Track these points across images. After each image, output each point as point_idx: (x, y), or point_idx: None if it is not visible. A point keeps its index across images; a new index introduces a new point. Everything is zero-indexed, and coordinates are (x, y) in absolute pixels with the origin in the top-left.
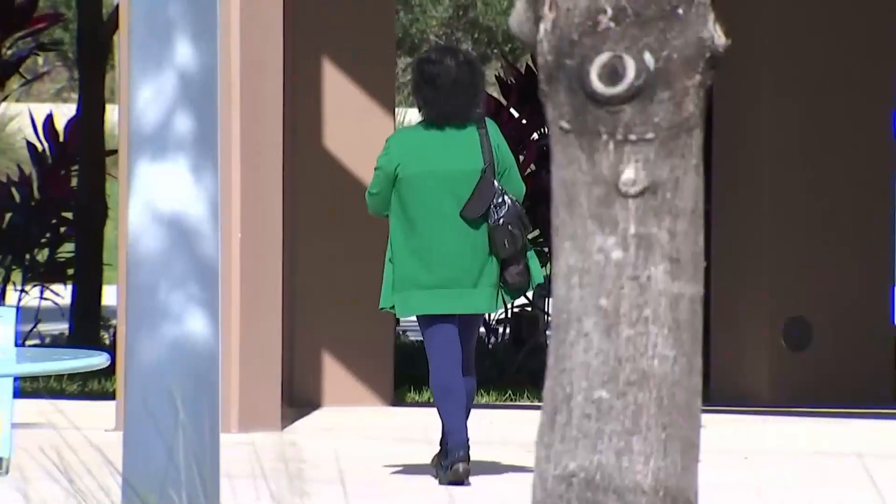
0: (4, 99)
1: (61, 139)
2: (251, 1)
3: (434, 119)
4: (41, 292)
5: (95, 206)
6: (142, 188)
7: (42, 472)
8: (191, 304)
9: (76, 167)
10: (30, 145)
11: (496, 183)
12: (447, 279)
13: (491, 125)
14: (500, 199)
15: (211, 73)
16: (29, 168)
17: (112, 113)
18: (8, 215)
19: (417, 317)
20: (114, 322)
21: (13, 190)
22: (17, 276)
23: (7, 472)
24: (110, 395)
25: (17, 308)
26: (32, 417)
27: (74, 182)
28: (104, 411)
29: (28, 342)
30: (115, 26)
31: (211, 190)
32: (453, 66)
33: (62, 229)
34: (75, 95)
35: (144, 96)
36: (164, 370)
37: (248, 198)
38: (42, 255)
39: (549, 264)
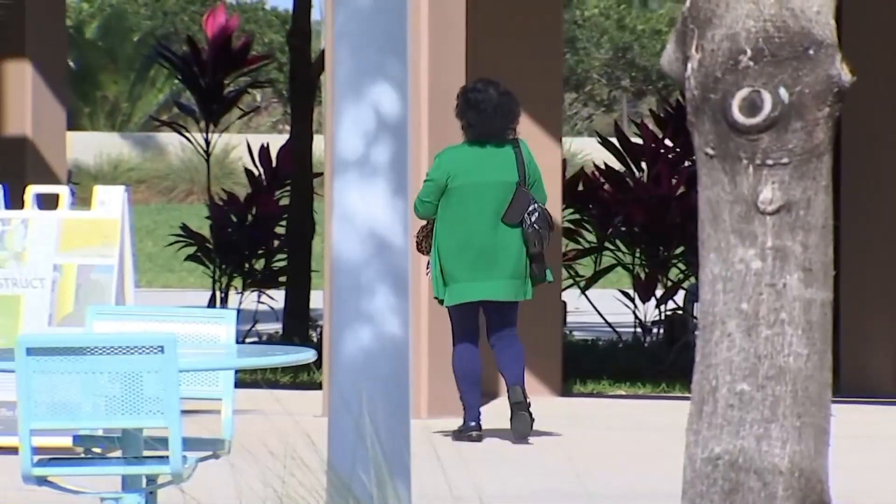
0: (225, 130)
1: (274, 165)
2: (438, 45)
3: (477, 139)
4: (258, 297)
5: (304, 222)
6: (343, 206)
7: (259, 451)
8: (386, 307)
9: (287, 189)
10: (247, 171)
11: (528, 193)
12: (482, 272)
13: (523, 144)
14: (532, 207)
15: (403, 108)
16: (247, 190)
17: (319, 141)
18: (229, 230)
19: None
20: (320, 322)
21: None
22: (237, 282)
23: (229, 452)
24: (318, 386)
25: (238, 311)
26: (251, 405)
27: (286, 201)
28: (313, 399)
29: (247, 340)
30: (321, 67)
31: (402, 208)
32: (495, 94)
33: (276, 242)
34: (288, 127)
35: (346, 127)
36: (363, 365)
37: None
38: (259, 265)
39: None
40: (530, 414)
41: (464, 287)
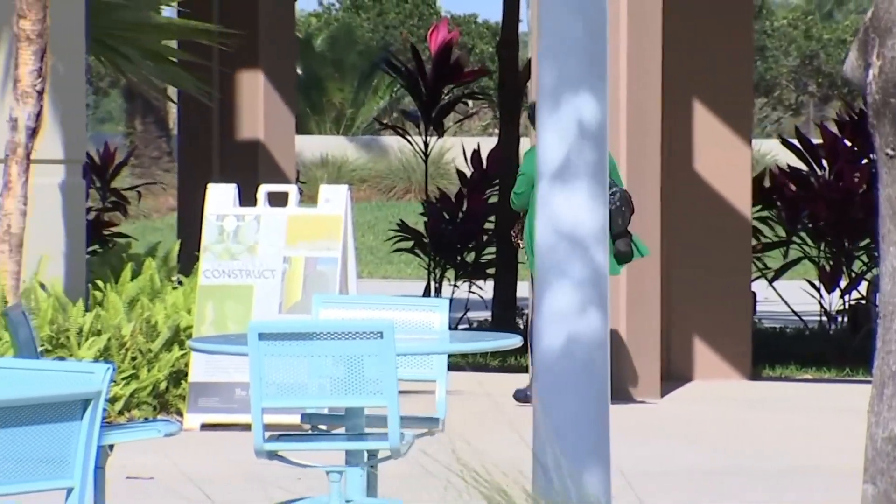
0: (442, 135)
1: (484, 166)
2: (636, 58)
3: None
4: (469, 287)
5: (511, 218)
6: (547, 207)
7: (470, 429)
8: (585, 299)
9: (496, 188)
10: (459, 171)
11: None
12: None
13: None
14: (612, 189)
15: (602, 116)
16: (459, 188)
17: (525, 144)
18: (442, 226)
19: None
20: (526, 311)
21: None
22: (450, 274)
23: (443, 430)
24: (524, 369)
25: (450, 300)
26: (463, 386)
27: (494, 199)
28: (519, 382)
29: (459, 327)
30: (528, 76)
31: (601, 210)
32: None
33: (485, 237)
34: (497, 130)
35: (550, 134)
36: (565, 351)
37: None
38: (470, 258)
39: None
40: None
41: None
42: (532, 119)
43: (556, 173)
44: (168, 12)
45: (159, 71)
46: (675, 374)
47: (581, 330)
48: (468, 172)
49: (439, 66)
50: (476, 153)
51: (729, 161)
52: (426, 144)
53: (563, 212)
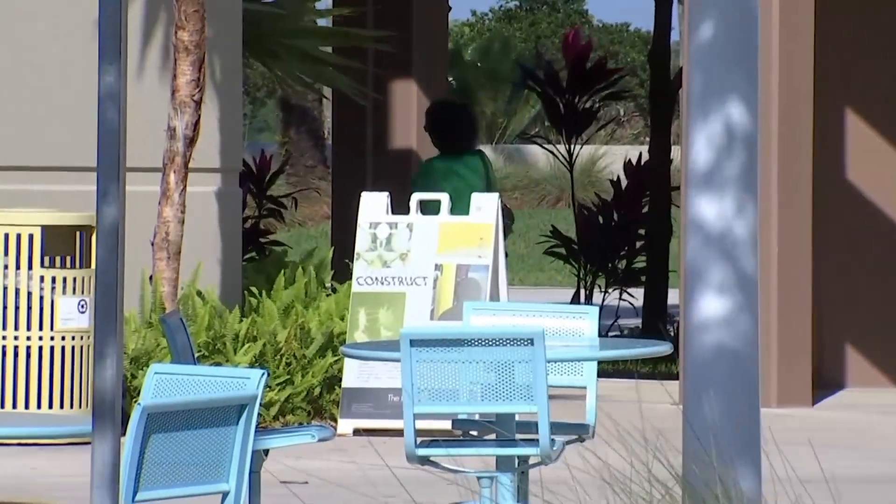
0: (587, 142)
1: (636, 174)
2: (788, 65)
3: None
4: (620, 294)
5: (663, 227)
6: (695, 213)
7: (620, 436)
8: (735, 306)
9: (647, 195)
10: (611, 181)
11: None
12: None
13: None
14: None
15: (753, 123)
16: (611, 196)
17: (676, 152)
18: (593, 233)
19: None
20: (677, 318)
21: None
22: (601, 281)
23: (593, 436)
24: (675, 376)
25: (601, 307)
26: (613, 393)
27: (646, 208)
28: (670, 388)
29: (609, 334)
30: (679, 84)
31: (751, 217)
32: None
33: (637, 244)
34: (648, 139)
35: (699, 142)
36: (714, 358)
37: (784, 219)
38: (621, 265)
39: None
40: None
41: None
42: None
43: (704, 179)
44: (323, 22)
45: (314, 72)
46: (826, 382)
47: (730, 336)
48: (620, 180)
49: (575, 74)
50: (628, 162)
51: (883, 169)
52: (570, 153)
53: (712, 218)
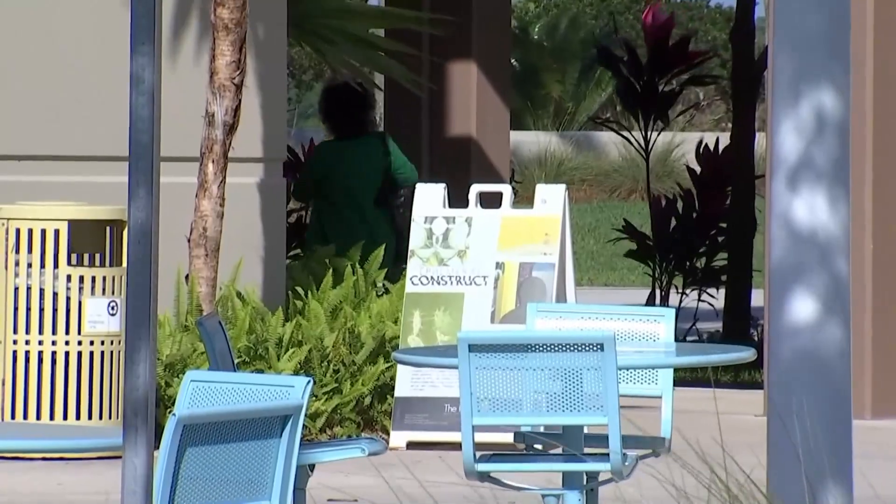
0: (664, 129)
1: (717, 163)
2: (883, 53)
3: None
4: (699, 295)
5: (746, 222)
6: (782, 208)
7: (699, 451)
8: (825, 309)
9: (730, 188)
10: (689, 169)
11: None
12: None
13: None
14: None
15: (845, 112)
16: (689, 188)
17: (761, 139)
18: (670, 228)
19: None
20: (761, 321)
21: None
22: (678, 280)
23: (669, 451)
24: (759, 385)
25: (678, 309)
26: (691, 403)
27: (728, 201)
28: (754, 398)
29: (687, 338)
30: (764, 65)
31: (842, 213)
32: None
33: (719, 240)
34: (730, 125)
35: (785, 131)
36: (802, 366)
37: (878, 215)
38: (700, 263)
39: None
40: None
41: None
42: None
43: (792, 172)
44: (374, 2)
45: (366, 57)
46: None
47: (820, 342)
48: (699, 170)
49: (654, 54)
50: (707, 149)
51: None
52: (646, 140)
53: (801, 214)
